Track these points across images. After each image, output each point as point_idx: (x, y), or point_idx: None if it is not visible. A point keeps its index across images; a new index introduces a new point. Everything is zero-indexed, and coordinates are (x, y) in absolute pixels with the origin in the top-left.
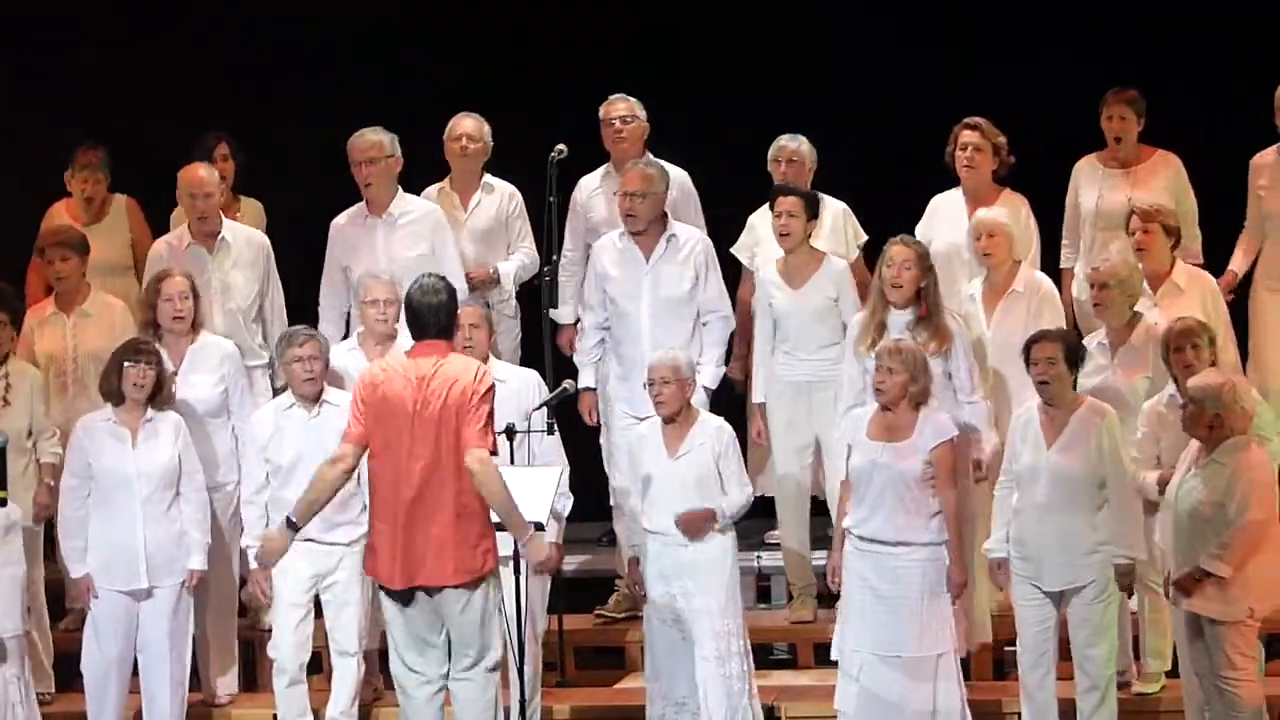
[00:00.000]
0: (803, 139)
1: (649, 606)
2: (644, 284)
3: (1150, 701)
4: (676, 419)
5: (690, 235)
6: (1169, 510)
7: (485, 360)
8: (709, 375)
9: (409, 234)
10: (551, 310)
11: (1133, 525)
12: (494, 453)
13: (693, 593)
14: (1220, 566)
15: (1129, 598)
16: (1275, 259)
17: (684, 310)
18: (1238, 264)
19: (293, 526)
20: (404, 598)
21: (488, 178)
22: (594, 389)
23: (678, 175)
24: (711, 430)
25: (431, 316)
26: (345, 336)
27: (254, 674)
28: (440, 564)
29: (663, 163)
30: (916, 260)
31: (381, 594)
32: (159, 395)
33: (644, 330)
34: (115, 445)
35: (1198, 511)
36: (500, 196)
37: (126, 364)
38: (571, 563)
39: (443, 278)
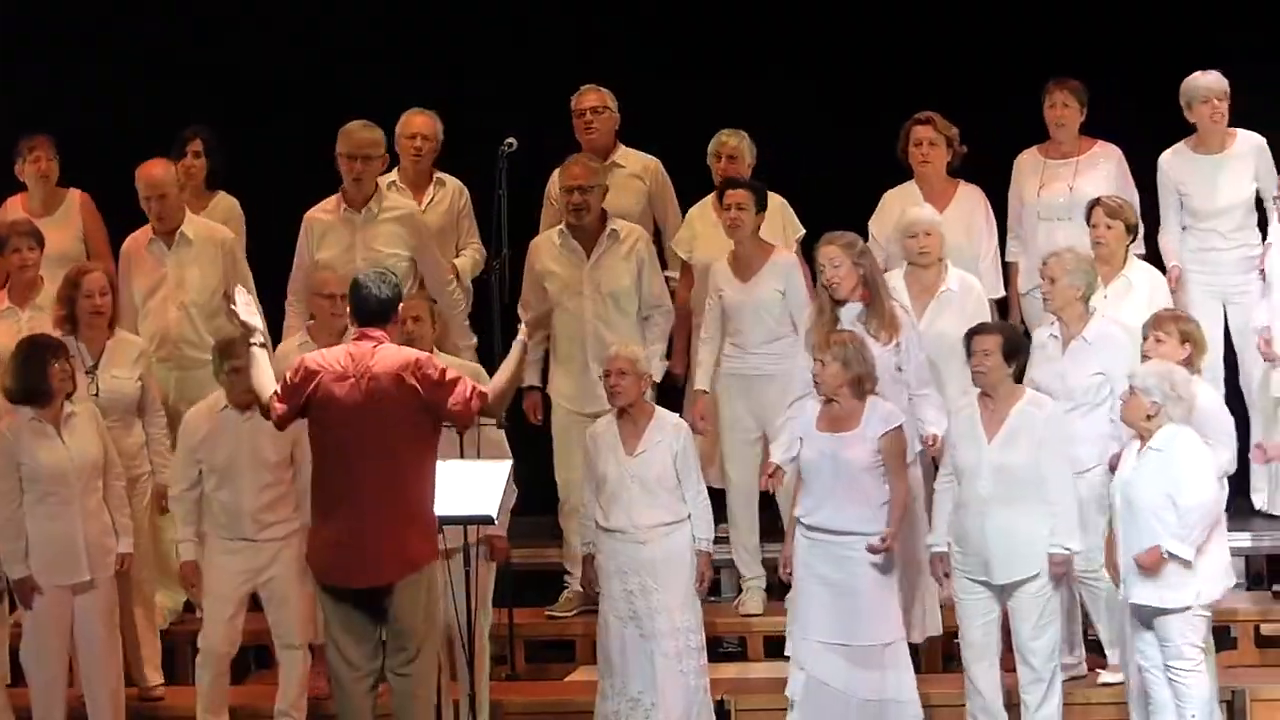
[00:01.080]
0: (743, 134)
1: (604, 602)
2: (585, 280)
3: (1095, 693)
4: (631, 414)
5: (630, 230)
6: (1114, 500)
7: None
8: (653, 369)
9: (390, 232)
10: (520, 307)
11: (1069, 518)
12: (483, 399)
13: (651, 589)
14: (1184, 548)
15: (1061, 588)
16: (1201, 250)
17: (626, 305)
18: (1178, 257)
19: None
20: (342, 592)
21: (439, 173)
22: (538, 388)
23: (651, 164)
24: (669, 428)
25: (372, 304)
26: None
27: (190, 667)
28: (381, 560)
29: (637, 152)
30: (844, 253)
31: (319, 588)
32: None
33: (586, 327)
34: (45, 442)
35: (1141, 500)
36: (451, 192)
37: (57, 364)
38: (520, 556)
39: (393, 271)
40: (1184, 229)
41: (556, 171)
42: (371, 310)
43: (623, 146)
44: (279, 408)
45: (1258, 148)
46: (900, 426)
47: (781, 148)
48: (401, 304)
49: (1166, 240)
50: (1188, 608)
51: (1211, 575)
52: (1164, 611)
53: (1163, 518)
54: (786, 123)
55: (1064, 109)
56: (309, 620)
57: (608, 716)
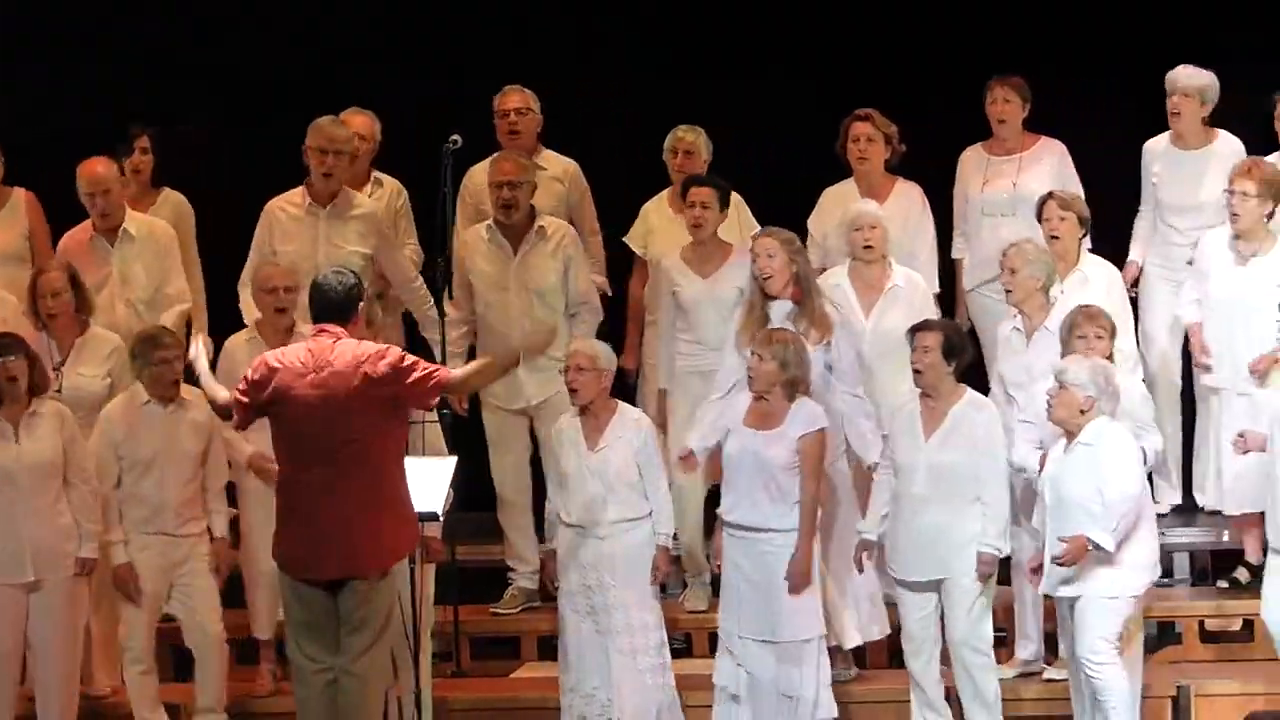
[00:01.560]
0: (700, 130)
1: (562, 597)
2: (512, 277)
3: (1042, 689)
4: (593, 410)
5: (558, 227)
6: (1043, 495)
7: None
8: None
9: (355, 230)
10: (448, 302)
11: (1002, 519)
12: (442, 385)
13: (609, 585)
14: (1107, 539)
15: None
16: (1166, 245)
17: (553, 302)
18: (1139, 253)
19: None
20: (309, 587)
21: (376, 173)
22: None
23: (570, 167)
24: (631, 424)
25: (332, 302)
26: None
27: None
28: (346, 555)
29: (558, 155)
30: (781, 248)
31: (283, 581)
32: (37, 385)
33: (513, 323)
34: None
35: (1069, 494)
36: (389, 192)
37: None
38: (465, 554)
39: (353, 270)
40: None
41: (472, 169)
42: (331, 307)
43: (544, 149)
44: (240, 406)
45: (1236, 150)
46: (823, 430)
47: (728, 145)
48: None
49: (1138, 227)
50: (1105, 599)
51: (1131, 569)
52: (1084, 601)
53: (1091, 510)
54: (730, 120)
55: (1005, 105)
56: (221, 615)
57: (568, 713)
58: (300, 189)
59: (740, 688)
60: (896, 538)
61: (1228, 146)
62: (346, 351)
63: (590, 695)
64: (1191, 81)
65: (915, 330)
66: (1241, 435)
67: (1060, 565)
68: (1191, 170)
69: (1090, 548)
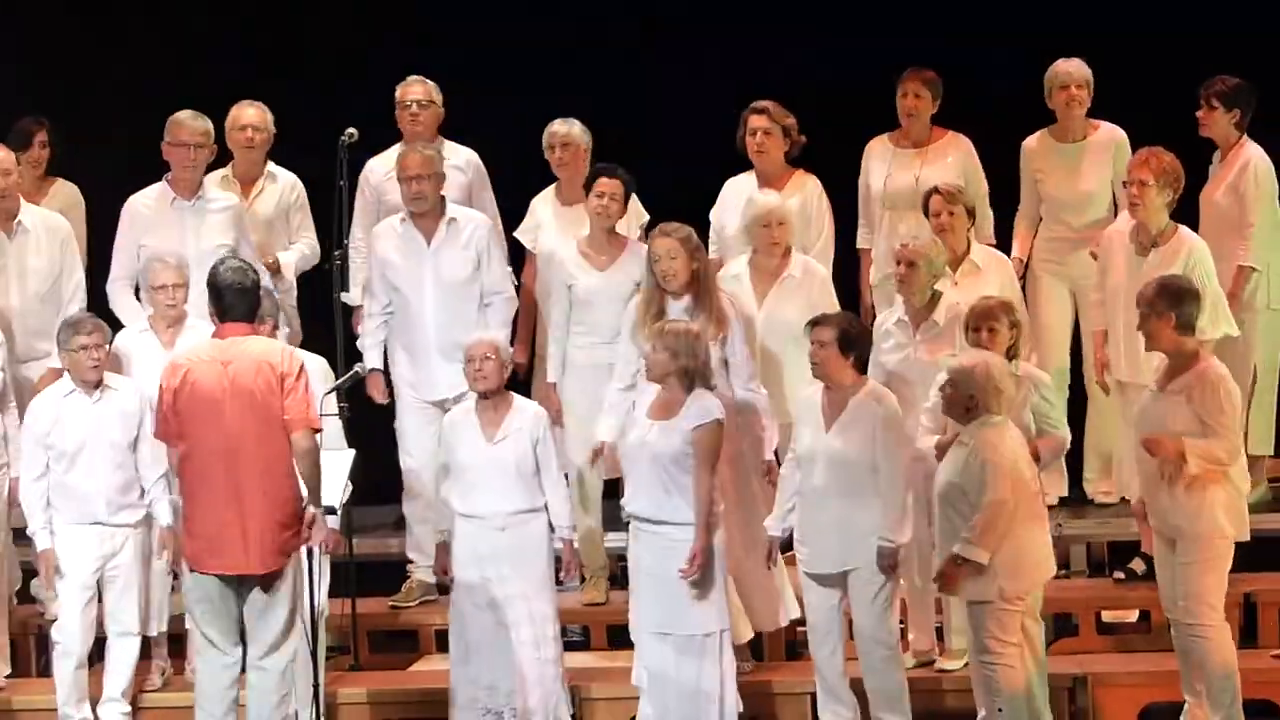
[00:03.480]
0: (574, 122)
1: (458, 590)
2: (426, 269)
3: (946, 679)
4: (492, 400)
5: (470, 218)
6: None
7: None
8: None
9: (217, 222)
10: (343, 294)
11: (898, 510)
12: (318, 430)
13: (508, 577)
14: (975, 551)
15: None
16: (1054, 239)
17: (468, 293)
18: (1021, 249)
19: None
20: (213, 581)
21: (271, 166)
22: (381, 370)
23: (471, 157)
24: (529, 416)
25: (239, 299)
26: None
27: (28, 661)
28: (249, 551)
29: (458, 145)
30: (681, 248)
31: (188, 575)
32: None
33: (428, 315)
34: None
35: (946, 493)
36: (283, 186)
37: None
38: (363, 547)
39: (252, 265)
40: (1040, 218)
41: (371, 161)
42: (234, 305)
43: (445, 140)
44: (162, 419)
45: (1118, 140)
46: (718, 422)
47: (620, 134)
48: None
49: (1019, 225)
50: (989, 601)
51: (1018, 569)
52: (972, 604)
53: (961, 511)
54: (627, 109)
55: (915, 99)
56: (161, 609)
57: (464, 706)
58: (160, 184)
59: (643, 682)
60: (803, 529)
61: (1109, 135)
62: (253, 348)
63: (492, 687)
64: (1083, 73)
65: (811, 325)
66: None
67: (940, 588)
68: (1075, 163)
69: (960, 565)
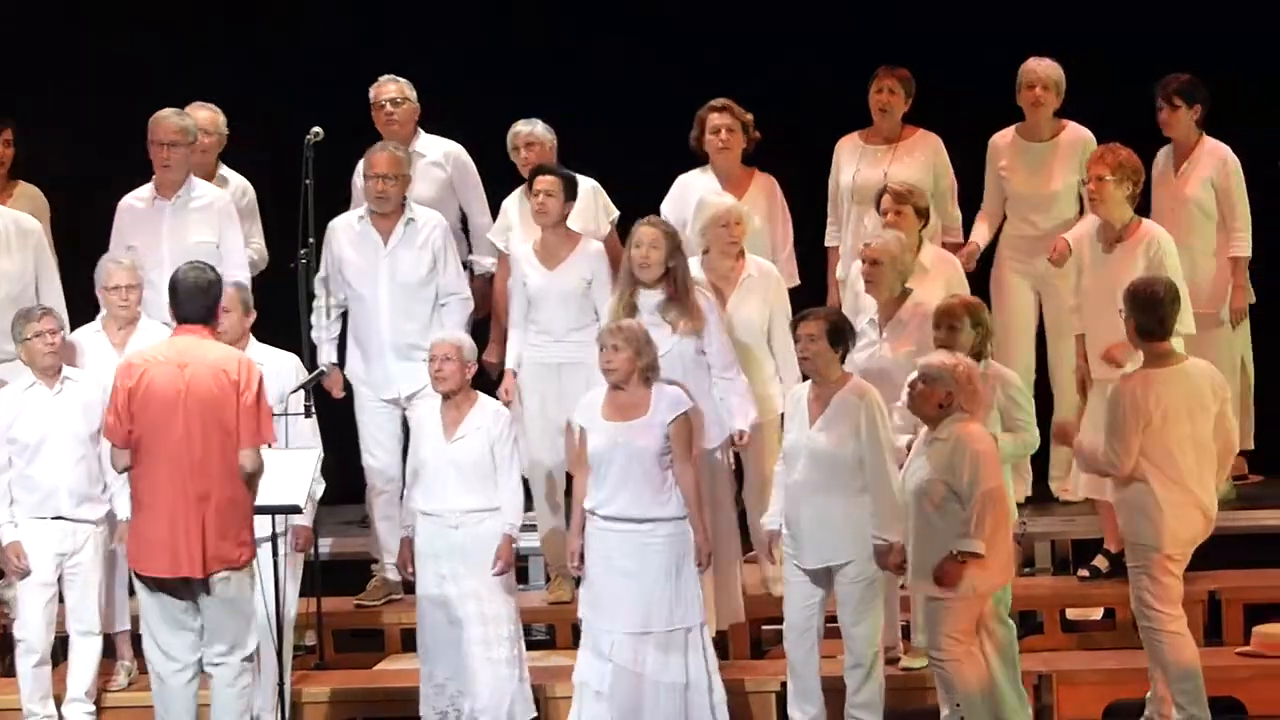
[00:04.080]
0: (537, 122)
1: (419, 586)
2: (381, 268)
3: (914, 677)
4: (454, 399)
5: (428, 218)
6: (904, 487)
7: (242, 341)
8: None
9: (198, 219)
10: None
11: (888, 507)
12: (270, 445)
13: (462, 575)
14: (974, 544)
15: (897, 577)
16: (1019, 238)
17: (423, 293)
18: (980, 236)
19: None
20: (162, 582)
21: (223, 169)
22: (337, 364)
23: (452, 150)
24: (489, 415)
25: (197, 300)
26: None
27: None
28: (200, 553)
29: (438, 139)
30: (664, 239)
31: (138, 579)
32: None
33: (382, 314)
34: None
35: (925, 490)
36: (233, 190)
37: None
38: (327, 546)
39: (212, 266)
40: (1005, 215)
41: (361, 162)
42: (192, 307)
43: (424, 134)
44: (115, 420)
45: (1085, 140)
46: (687, 412)
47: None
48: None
49: (979, 219)
50: (958, 598)
51: (991, 568)
52: (933, 600)
53: (947, 510)
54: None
55: (890, 95)
56: (107, 607)
57: (426, 702)
58: (150, 184)
59: (604, 684)
60: (789, 524)
61: (1076, 136)
62: (210, 350)
63: (440, 686)
64: (1051, 73)
65: (799, 320)
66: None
67: (939, 584)
68: (1042, 162)
69: (960, 560)
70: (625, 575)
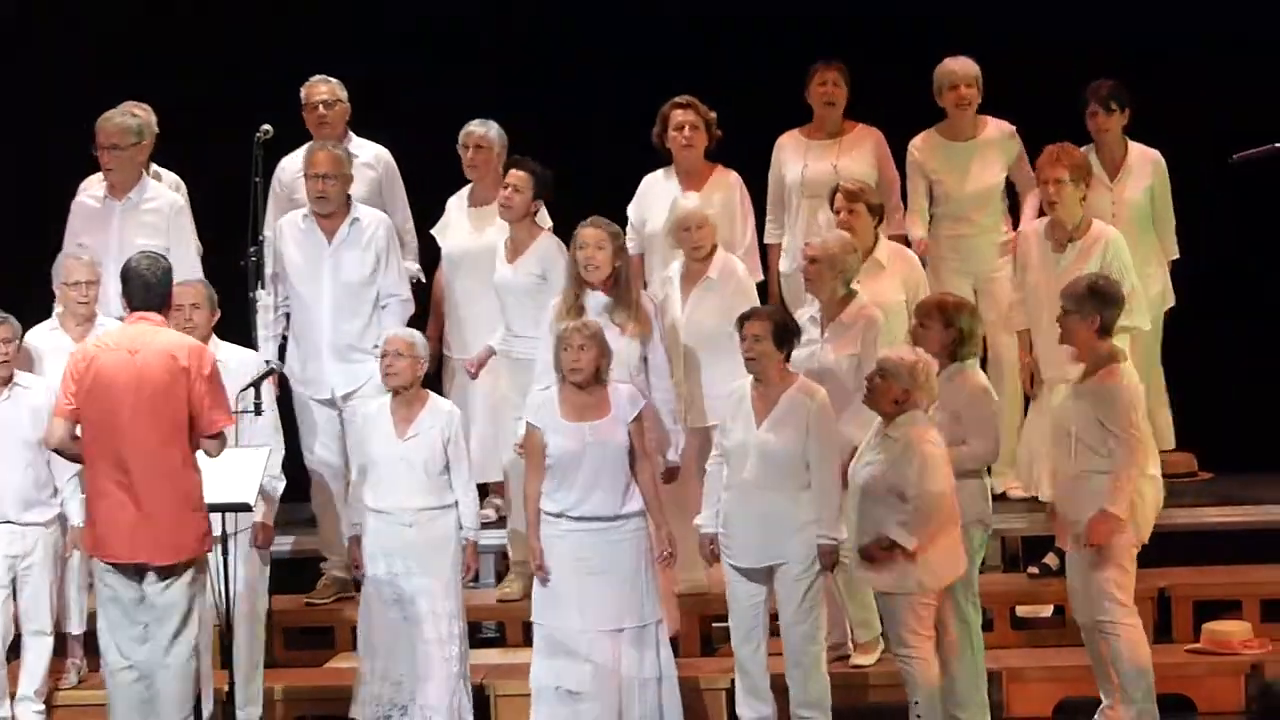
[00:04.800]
0: (491, 124)
1: (367, 585)
2: (325, 268)
3: (863, 675)
4: (405, 396)
5: (373, 218)
6: (852, 481)
7: (208, 340)
8: None
9: (148, 222)
10: (261, 291)
11: (834, 507)
12: (231, 424)
13: (415, 573)
14: (906, 537)
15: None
16: (957, 238)
17: (364, 294)
18: (922, 232)
19: None
20: (115, 573)
21: (156, 168)
22: (278, 362)
23: (381, 153)
24: (442, 414)
25: (149, 288)
26: None
27: None
28: (153, 541)
29: (369, 142)
30: (609, 239)
31: (97, 570)
32: None
33: (324, 314)
34: None
35: (872, 485)
36: (166, 188)
37: None
38: (277, 544)
39: (164, 255)
40: (933, 216)
41: (284, 160)
42: (143, 294)
43: (355, 136)
44: (67, 405)
45: (1008, 134)
46: (643, 408)
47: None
48: (177, 289)
49: (911, 226)
50: (908, 594)
51: (937, 565)
52: (889, 595)
53: (891, 504)
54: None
55: (835, 88)
56: (72, 607)
57: (368, 701)
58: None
59: (585, 684)
60: (730, 524)
61: (999, 131)
62: (163, 338)
63: (398, 683)
64: (973, 71)
65: (744, 319)
66: None
67: (865, 560)
68: (969, 161)
69: (888, 546)
70: (593, 573)
